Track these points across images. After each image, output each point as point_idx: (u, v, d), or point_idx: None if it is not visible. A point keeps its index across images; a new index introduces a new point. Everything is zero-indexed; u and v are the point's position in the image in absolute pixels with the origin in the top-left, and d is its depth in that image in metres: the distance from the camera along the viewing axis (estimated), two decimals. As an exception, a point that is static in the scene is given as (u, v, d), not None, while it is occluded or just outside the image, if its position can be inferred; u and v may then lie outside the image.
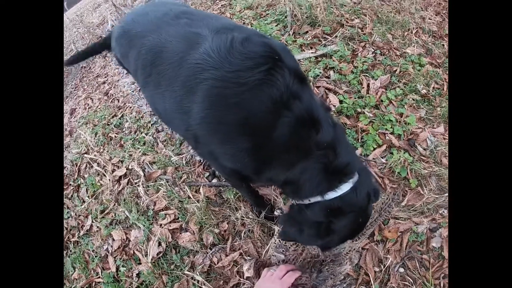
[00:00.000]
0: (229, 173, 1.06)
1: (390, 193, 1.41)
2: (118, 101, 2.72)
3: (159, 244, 1.53)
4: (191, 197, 1.61)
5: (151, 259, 1.48)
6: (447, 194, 1.39)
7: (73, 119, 3.11)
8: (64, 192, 2.11)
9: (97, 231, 1.76)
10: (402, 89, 1.77)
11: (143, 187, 1.78)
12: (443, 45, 2.21)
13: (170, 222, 1.60)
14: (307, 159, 0.83)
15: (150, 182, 1.81)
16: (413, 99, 1.74)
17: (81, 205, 1.92)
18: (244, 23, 2.67)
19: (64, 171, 2.33)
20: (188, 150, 1.87)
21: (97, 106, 2.93)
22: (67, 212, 1.94)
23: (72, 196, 2.05)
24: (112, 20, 5.08)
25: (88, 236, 1.77)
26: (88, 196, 1.95)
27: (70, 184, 2.14)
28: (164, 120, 1.25)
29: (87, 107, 3.10)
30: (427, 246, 1.29)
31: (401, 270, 1.25)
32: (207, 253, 1.45)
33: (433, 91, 1.82)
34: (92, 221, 1.80)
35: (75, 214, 1.90)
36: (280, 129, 0.79)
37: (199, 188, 1.63)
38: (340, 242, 0.97)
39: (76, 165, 2.25)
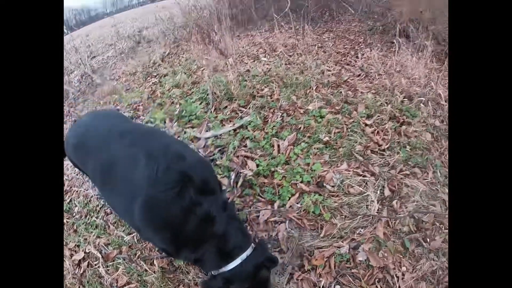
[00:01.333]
0: (161, 250, 1.44)
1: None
2: (64, 186, 2.81)
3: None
4: (148, 269, 1.79)
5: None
6: (359, 216, 1.68)
7: None
8: None
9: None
10: (307, 142, 2.12)
11: (104, 267, 1.92)
12: (341, 92, 2.65)
13: None
14: (207, 244, 1.18)
15: (109, 262, 1.95)
16: (317, 148, 2.07)
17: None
18: (172, 102, 3.04)
19: None
20: None
21: None
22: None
23: None
24: None
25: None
26: None
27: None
28: (117, 213, 1.68)
29: None
30: (354, 262, 1.54)
31: (337, 287, 1.49)
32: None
33: (334, 136, 2.17)
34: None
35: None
36: (188, 225, 1.14)
37: (153, 261, 1.82)
38: None
39: None
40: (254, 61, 3.50)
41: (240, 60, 3.51)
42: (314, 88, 2.61)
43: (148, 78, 4.12)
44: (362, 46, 3.90)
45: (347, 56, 3.60)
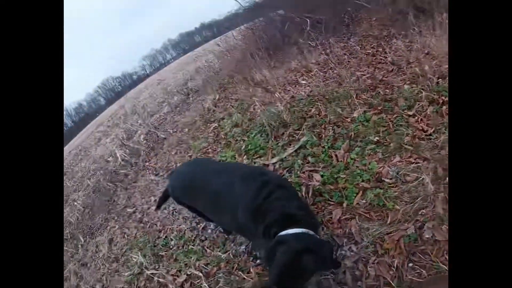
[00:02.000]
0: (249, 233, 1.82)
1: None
2: (157, 225, 3.32)
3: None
4: (246, 278, 2.06)
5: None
6: (419, 198, 1.92)
7: (114, 247, 3.66)
8: None
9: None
10: (359, 146, 2.44)
11: (206, 283, 2.21)
12: (379, 92, 2.95)
13: None
14: (276, 215, 1.49)
15: (210, 278, 2.24)
16: (370, 149, 2.38)
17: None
18: (236, 140, 3.55)
19: None
20: (232, 247, 2.39)
21: (135, 233, 3.50)
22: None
23: None
24: (120, 153, 6.06)
25: None
26: None
27: None
28: (225, 227, 2.16)
29: (125, 235, 3.67)
30: (421, 240, 1.69)
31: (410, 264, 1.67)
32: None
33: (382, 134, 2.48)
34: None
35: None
36: (267, 205, 1.52)
37: (249, 269, 2.10)
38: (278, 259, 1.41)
39: (134, 284, 2.74)
40: (295, 86, 3.92)
41: (283, 89, 3.95)
42: (355, 96, 2.94)
43: (208, 124, 4.72)
44: (387, 39, 4.13)
45: (376, 54, 3.86)
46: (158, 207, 2.72)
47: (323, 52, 4.34)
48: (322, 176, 2.37)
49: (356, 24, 5.36)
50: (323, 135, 2.72)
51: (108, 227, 4.24)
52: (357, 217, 1.98)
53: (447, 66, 2.83)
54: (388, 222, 1.91)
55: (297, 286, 1.35)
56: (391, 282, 1.59)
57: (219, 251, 2.40)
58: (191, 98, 7.02)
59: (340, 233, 1.94)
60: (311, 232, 1.41)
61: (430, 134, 2.32)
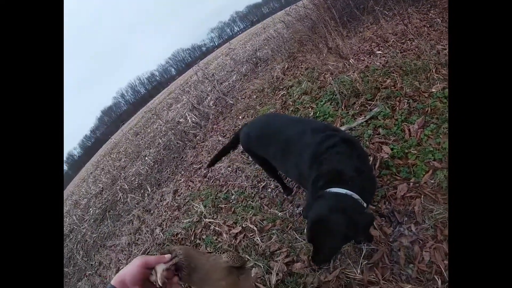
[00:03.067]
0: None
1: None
2: (220, 181, 3.54)
3: (277, 274, 1.98)
4: (298, 238, 2.13)
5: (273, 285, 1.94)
6: None
7: (178, 197, 3.98)
8: None
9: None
10: (435, 123, 2.34)
11: (259, 237, 2.32)
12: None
13: (284, 258, 2.07)
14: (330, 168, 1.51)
15: (263, 233, 2.35)
16: (446, 128, 2.27)
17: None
18: (305, 107, 3.61)
19: (179, 236, 3.01)
20: (289, 207, 2.48)
21: (199, 186, 3.77)
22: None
23: None
24: (191, 116, 6.44)
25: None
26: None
27: (187, 245, 2.78)
28: (289, 175, 2.18)
29: (189, 188, 3.97)
30: None
31: None
32: (315, 274, 1.86)
33: (462, 112, 2.37)
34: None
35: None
36: (328, 155, 1.54)
37: (303, 231, 2.15)
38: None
39: (191, 230, 2.97)
40: (370, 56, 3.81)
41: (357, 59, 3.87)
42: (434, 70, 2.79)
43: (276, 91, 4.82)
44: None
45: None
46: (212, 163, 2.85)
47: (401, 22, 4.09)
48: (392, 149, 2.35)
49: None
50: (397, 108, 2.66)
51: (174, 180, 4.62)
52: (422, 196, 1.91)
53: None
54: None
55: (327, 245, 1.33)
56: (444, 271, 1.51)
57: (276, 209, 2.53)
58: (260, 67, 7.13)
59: (402, 210, 1.91)
60: (356, 196, 1.36)
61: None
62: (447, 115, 2.34)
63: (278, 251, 2.16)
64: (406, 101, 2.67)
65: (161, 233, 3.46)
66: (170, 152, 6.14)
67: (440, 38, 3.22)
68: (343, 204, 1.32)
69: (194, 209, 3.30)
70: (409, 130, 2.42)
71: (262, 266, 2.08)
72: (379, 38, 4.10)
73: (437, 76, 2.72)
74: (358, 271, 1.75)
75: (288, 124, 2.00)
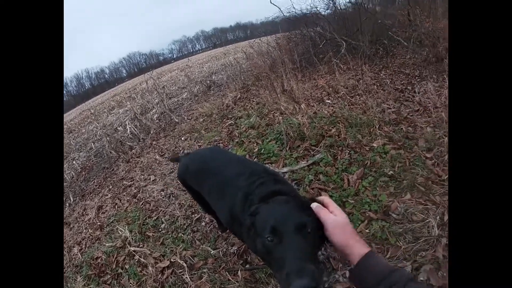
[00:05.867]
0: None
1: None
2: (150, 205, 3.29)
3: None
4: (231, 279, 2.04)
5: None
6: (422, 240, 1.92)
7: (102, 215, 3.64)
8: (102, 279, 2.55)
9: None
10: (373, 176, 2.45)
11: (188, 275, 2.18)
12: (402, 128, 2.97)
13: None
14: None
15: (193, 271, 2.22)
16: (382, 181, 2.40)
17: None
18: (250, 141, 3.58)
19: (99, 261, 2.75)
20: (223, 245, 2.37)
21: (127, 207, 3.47)
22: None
23: (111, 283, 2.49)
24: (131, 126, 6.09)
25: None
26: (131, 284, 2.34)
27: (107, 273, 2.60)
28: (222, 218, 1.92)
29: (116, 206, 3.65)
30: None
31: None
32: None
33: (398, 169, 2.49)
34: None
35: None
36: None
37: (237, 272, 2.06)
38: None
39: (113, 257, 2.73)
40: (319, 103, 3.96)
41: (307, 104, 3.98)
42: (377, 126, 2.96)
43: (224, 119, 4.76)
44: (418, 80, 4.17)
45: (405, 92, 3.89)
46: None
47: (354, 77, 4.37)
48: (330, 196, 2.37)
49: (390, 57, 5.41)
50: (339, 157, 2.74)
51: (101, 194, 4.25)
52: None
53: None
54: (387, 256, 1.91)
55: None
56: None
57: (209, 246, 2.39)
58: (212, 91, 7.10)
59: (337, 256, 1.93)
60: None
61: (444, 180, 2.33)
62: (386, 170, 2.45)
63: (210, 293, 2.03)
64: (348, 151, 2.76)
65: (79, 253, 3.08)
66: (101, 160, 5.68)
67: (387, 98, 3.45)
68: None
69: (119, 233, 3.02)
70: (348, 179, 2.48)
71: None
72: (330, 88, 4.32)
73: (379, 132, 2.88)
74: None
75: (229, 164, 1.91)
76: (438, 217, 2.05)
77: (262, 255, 1.15)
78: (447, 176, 2.34)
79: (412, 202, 2.22)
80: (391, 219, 2.14)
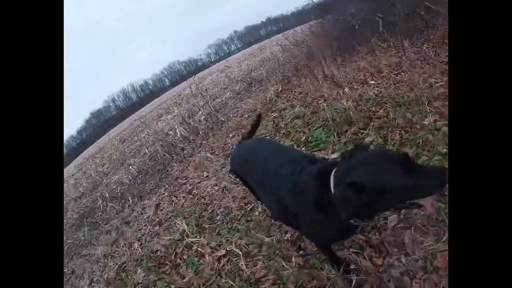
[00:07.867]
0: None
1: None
2: (205, 199, 3.43)
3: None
4: (285, 265, 2.04)
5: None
6: None
7: (160, 212, 3.86)
8: (161, 269, 2.68)
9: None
10: (426, 155, 2.37)
11: (244, 262, 2.23)
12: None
13: (269, 286, 2.00)
14: None
15: (249, 259, 2.27)
16: (437, 160, 2.30)
17: (182, 280, 2.44)
18: (296, 131, 3.62)
19: (158, 253, 2.94)
20: (276, 233, 2.40)
21: (183, 203, 3.65)
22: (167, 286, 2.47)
23: (170, 272, 2.60)
24: (180, 129, 6.39)
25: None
26: (189, 273, 2.45)
27: (166, 264, 2.73)
28: (271, 210, 2.06)
29: (173, 203, 3.84)
30: None
31: None
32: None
33: (453, 146, 2.41)
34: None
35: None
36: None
37: (291, 258, 2.06)
38: None
39: (172, 249, 2.87)
40: (363, 85, 3.88)
41: (351, 87, 3.93)
42: (426, 103, 2.85)
43: (269, 113, 4.83)
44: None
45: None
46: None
47: (395, 55, 4.21)
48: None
49: (430, 30, 5.11)
50: (389, 138, 2.69)
51: (158, 193, 4.50)
52: (412, 228, 1.88)
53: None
54: (443, 239, 1.79)
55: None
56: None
57: (263, 234, 2.44)
58: (253, 87, 7.21)
59: (391, 241, 1.88)
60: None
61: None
62: (439, 148, 2.37)
63: (263, 278, 2.07)
64: (398, 132, 2.70)
65: (139, 248, 3.33)
66: (155, 163, 6.04)
67: (433, 72, 3.30)
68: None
69: (176, 227, 3.20)
70: (400, 161, 2.43)
71: (247, 293, 1.99)
72: (373, 68, 4.20)
73: (429, 109, 2.77)
74: (348, 301, 1.70)
75: (273, 156, 1.93)
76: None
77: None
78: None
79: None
80: (447, 200, 2.07)
